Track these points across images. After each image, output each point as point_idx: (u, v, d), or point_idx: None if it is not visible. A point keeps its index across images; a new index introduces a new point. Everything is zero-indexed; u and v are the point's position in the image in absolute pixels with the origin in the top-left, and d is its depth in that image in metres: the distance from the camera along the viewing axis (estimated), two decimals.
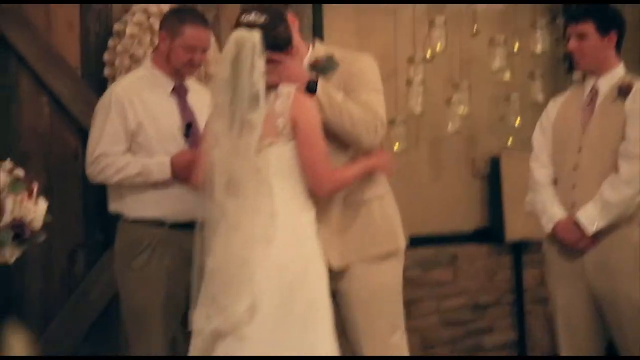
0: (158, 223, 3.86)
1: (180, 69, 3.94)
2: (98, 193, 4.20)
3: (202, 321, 3.19)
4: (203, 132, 3.43)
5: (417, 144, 5.62)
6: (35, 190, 2.84)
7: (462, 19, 5.62)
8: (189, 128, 3.90)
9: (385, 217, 3.58)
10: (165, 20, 4.00)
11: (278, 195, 3.20)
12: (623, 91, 3.91)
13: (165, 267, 3.85)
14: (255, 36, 3.19)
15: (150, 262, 3.85)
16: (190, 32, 3.88)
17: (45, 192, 4.11)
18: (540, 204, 4.03)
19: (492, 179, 5.89)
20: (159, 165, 3.83)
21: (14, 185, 2.76)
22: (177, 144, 3.88)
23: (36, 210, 2.81)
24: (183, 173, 3.77)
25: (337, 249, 3.41)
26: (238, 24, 3.24)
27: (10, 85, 4.16)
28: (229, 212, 3.17)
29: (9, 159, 2.86)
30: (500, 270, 5.90)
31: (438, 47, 5.48)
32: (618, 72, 3.99)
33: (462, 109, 5.59)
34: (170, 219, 3.86)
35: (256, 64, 3.17)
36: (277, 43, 3.25)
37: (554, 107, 4.14)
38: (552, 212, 3.98)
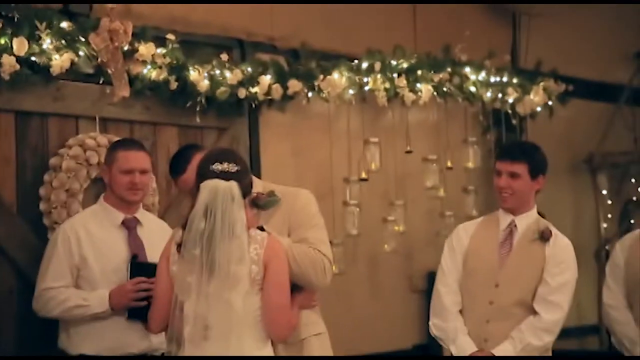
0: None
1: (124, 195, 3.99)
2: (34, 331, 4.14)
3: None
4: (158, 276, 3.35)
5: (355, 263, 5.65)
6: None
7: (396, 138, 5.72)
8: (135, 259, 3.93)
9: (325, 354, 3.56)
10: (105, 155, 4.11)
11: (246, 344, 3.15)
12: (545, 237, 4.03)
13: None
14: (234, 187, 3.15)
15: None
16: (123, 155, 3.99)
17: None
18: (451, 332, 4.04)
19: (429, 294, 5.89)
20: (98, 298, 3.85)
21: None
22: (122, 276, 3.90)
23: None
24: (120, 303, 3.83)
25: None
26: (209, 173, 3.17)
27: None
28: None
29: None
30: None
31: (373, 166, 5.56)
32: (533, 214, 4.11)
33: (398, 227, 5.66)
34: (111, 354, 3.86)
35: (239, 216, 3.13)
36: (245, 191, 3.22)
37: (465, 235, 4.17)
38: (462, 343, 4.00)
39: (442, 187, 5.90)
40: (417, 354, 5.89)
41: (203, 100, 4.82)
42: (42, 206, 4.30)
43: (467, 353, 3.97)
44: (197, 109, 4.82)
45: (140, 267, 3.90)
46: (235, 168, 3.20)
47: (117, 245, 3.97)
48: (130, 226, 4.03)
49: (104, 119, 4.55)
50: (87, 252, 3.90)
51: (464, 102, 5.94)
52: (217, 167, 3.18)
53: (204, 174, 3.19)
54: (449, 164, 5.93)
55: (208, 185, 3.15)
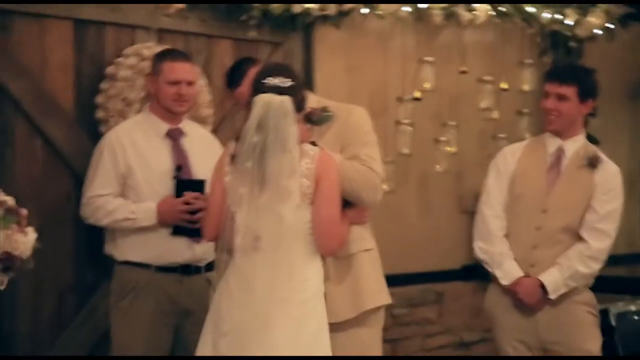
0: (144, 266, 3.96)
1: (170, 106, 4.03)
2: (90, 235, 4.25)
3: None
4: (212, 186, 3.40)
5: (406, 182, 5.66)
6: (24, 219, 2.85)
7: (451, 58, 5.67)
8: (179, 170, 3.98)
9: (376, 272, 3.59)
10: (151, 65, 4.14)
11: (295, 256, 3.20)
12: (592, 163, 4.00)
13: (149, 309, 3.95)
14: (287, 102, 3.16)
15: (135, 304, 3.95)
16: (170, 66, 4.01)
17: (38, 234, 4.18)
18: (497, 256, 4.05)
19: None
20: (146, 211, 3.93)
21: (5, 219, 2.77)
22: (167, 186, 3.96)
23: (25, 242, 2.83)
24: (169, 219, 3.91)
25: (335, 301, 3.42)
26: (262, 87, 3.19)
27: (4, 129, 4.16)
28: (247, 268, 3.18)
29: None
30: None
31: (427, 86, 5.53)
32: (581, 139, 4.08)
33: (450, 148, 5.64)
34: (155, 263, 3.96)
35: (291, 130, 3.14)
36: (300, 106, 3.24)
37: (512, 157, 4.15)
38: (509, 268, 4.01)
39: (496, 109, 5.84)
40: (464, 274, 5.91)
41: (258, 14, 4.82)
42: (99, 114, 4.36)
43: (514, 278, 3.98)
44: (252, 22, 4.82)
45: (185, 183, 3.96)
46: (289, 83, 3.20)
47: (162, 156, 4.02)
48: (174, 137, 4.07)
49: (160, 30, 4.58)
50: (132, 161, 3.96)
51: (522, 23, 5.83)
52: (271, 81, 3.19)
53: (258, 88, 3.20)
54: (504, 86, 5.87)
55: (261, 99, 3.16)
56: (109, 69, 4.39)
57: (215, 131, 4.66)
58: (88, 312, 4.38)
